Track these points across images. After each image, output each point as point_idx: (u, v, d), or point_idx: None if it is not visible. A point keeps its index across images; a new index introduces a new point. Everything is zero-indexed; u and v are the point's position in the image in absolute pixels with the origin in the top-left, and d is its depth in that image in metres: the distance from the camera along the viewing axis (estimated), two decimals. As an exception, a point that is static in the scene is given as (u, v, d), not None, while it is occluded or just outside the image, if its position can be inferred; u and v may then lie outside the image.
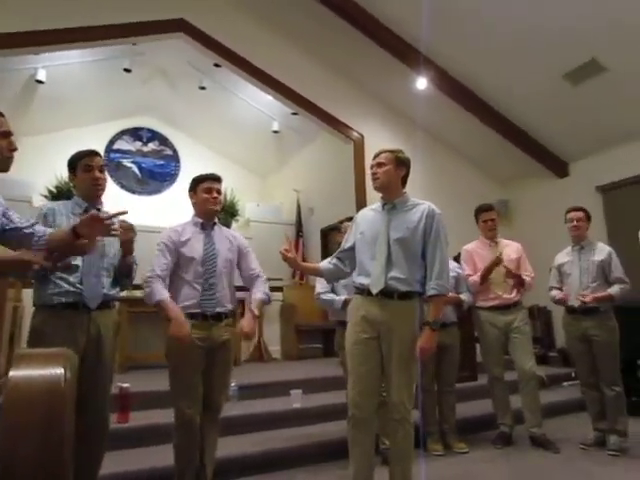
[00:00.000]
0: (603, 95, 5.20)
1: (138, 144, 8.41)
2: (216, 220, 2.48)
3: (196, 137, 8.64)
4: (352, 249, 2.33)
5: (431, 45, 5.35)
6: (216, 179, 2.43)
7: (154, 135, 8.56)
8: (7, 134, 1.65)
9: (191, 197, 2.45)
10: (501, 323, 3.23)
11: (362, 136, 6.31)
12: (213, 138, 8.57)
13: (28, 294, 2.85)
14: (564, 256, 3.32)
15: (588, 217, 3.26)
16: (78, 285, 1.98)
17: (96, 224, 1.69)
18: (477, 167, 7.05)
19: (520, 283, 3.26)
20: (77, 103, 7.07)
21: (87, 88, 6.85)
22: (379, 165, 2.29)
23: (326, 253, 7.06)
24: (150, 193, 8.23)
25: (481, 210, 3.48)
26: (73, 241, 1.67)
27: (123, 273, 2.18)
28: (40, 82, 6.20)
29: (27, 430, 0.42)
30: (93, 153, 2.15)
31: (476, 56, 5.32)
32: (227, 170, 8.97)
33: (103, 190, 2.16)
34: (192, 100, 7.53)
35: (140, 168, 8.34)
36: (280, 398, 3.52)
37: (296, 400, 3.35)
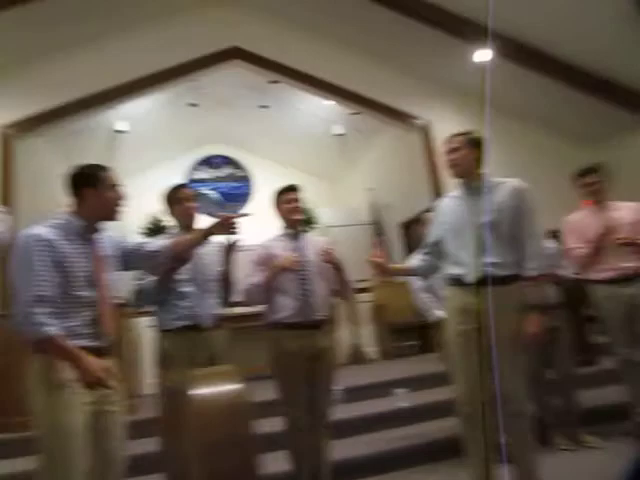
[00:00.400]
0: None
1: (212, 171, 8.89)
2: (301, 229, 2.56)
3: (263, 154, 8.94)
4: (438, 241, 2.26)
5: (492, 13, 5.07)
6: (293, 189, 2.51)
7: (226, 160, 9.00)
8: (114, 186, 1.83)
9: (275, 212, 2.54)
10: (624, 297, 2.83)
11: (428, 123, 6.15)
12: (279, 152, 8.81)
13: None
14: None
15: None
16: (193, 308, 2.19)
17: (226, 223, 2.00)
18: (561, 134, 6.55)
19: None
20: (154, 143, 7.63)
21: (160, 128, 7.37)
22: (453, 151, 2.21)
23: (409, 248, 6.93)
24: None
25: (579, 175, 3.08)
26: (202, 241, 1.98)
27: (224, 288, 2.37)
28: (120, 132, 6.78)
29: (221, 441, 0.45)
30: (182, 186, 2.41)
31: (541, 12, 4.95)
32: (297, 180, 9.05)
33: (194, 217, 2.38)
34: (254, 120, 7.79)
35: (221, 193, 8.81)
36: (383, 399, 3.50)
37: (401, 399, 3.32)
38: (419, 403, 3.34)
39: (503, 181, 2.15)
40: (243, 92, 7.05)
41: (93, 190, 1.77)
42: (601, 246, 2.88)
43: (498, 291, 1.92)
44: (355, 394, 3.63)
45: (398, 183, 7.09)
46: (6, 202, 4.79)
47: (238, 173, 9.03)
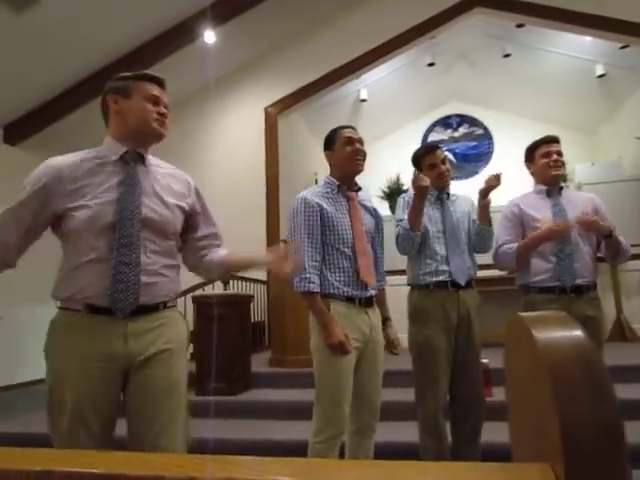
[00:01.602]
0: None
1: (449, 131, 8.67)
2: (562, 185, 2.33)
3: (505, 109, 8.26)
4: None
5: None
6: (554, 140, 2.29)
7: (463, 119, 8.64)
8: (350, 141, 1.95)
9: (528, 167, 2.38)
10: None
11: None
12: (524, 105, 7.99)
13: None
14: None
15: None
16: (444, 266, 2.16)
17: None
18: None
19: None
20: (393, 109, 7.88)
21: (399, 93, 7.55)
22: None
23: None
24: (467, 176, 8.34)
25: None
26: None
27: (479, 243, 2.29)
28: (363, 100, 7.23)
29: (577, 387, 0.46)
30: (434, 148, 2.35)
31: None
32: (545, 133, 8.15)
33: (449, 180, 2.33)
34: (496, 72, 7.24)
35: (454, 154, 8.57)
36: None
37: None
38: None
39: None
40: (483, 43, 6.62)
41: (330, 153, 2.00)
42: None
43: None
44: (615, 375, 3.16)
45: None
46: (273, 170, 5.73)
47: (477, 132, 8.59)
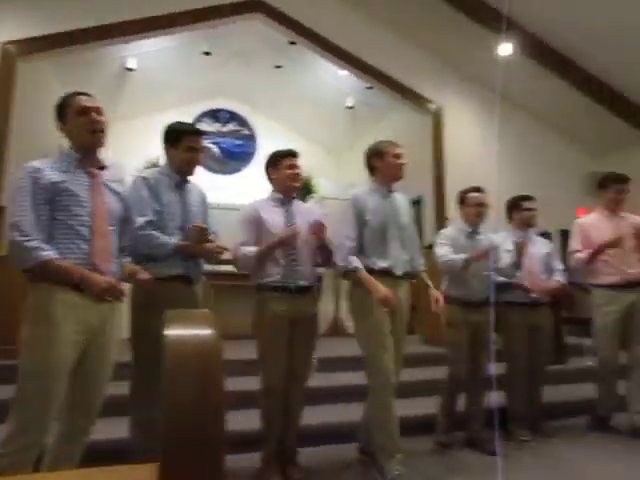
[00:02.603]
0: None
1: (218, 125, 8.74)
2: (294, 195, 2.51)
3: (273, 116, 8.80)
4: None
5: (517, 7, 4.97)
6: (295, 155, 2.46)
7: (232, 116, 8.83)
8: (84, 111, 1.73)
9: (271, 173, 2.47)
10: (622, 303, 2.92)
11: (440, 109, 6.08)
12: (289, 116, 8.68)
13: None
14: None
15: None
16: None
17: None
18: (568, 138, 6.54)
19: None
20: (163, 87, 7.45)
21: (171, 73, 7.20)
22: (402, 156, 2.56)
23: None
24: (230, 172, 8.55)
25: (613, 180, 3.09)
26: None
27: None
28: (130, 70, 6.62)
29: (190, 384, 0.44)
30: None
31: (566, 16, 4.90)
32: (302, 147, 8.97)
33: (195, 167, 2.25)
34: (268, 79, 7.64)
35: (220, 148, 8.68)
36: (358, 372, 3.55)
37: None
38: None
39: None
40: (260, 48, 6.89)
41: (63, 123, 1.77)
42: (603, 252, 2.95)
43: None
44: (328, 365, 3.67)
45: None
46: (2, 122, 4.67)
47: (244, 131, 8.89)
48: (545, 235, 4.28)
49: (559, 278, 3.00)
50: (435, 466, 2.50)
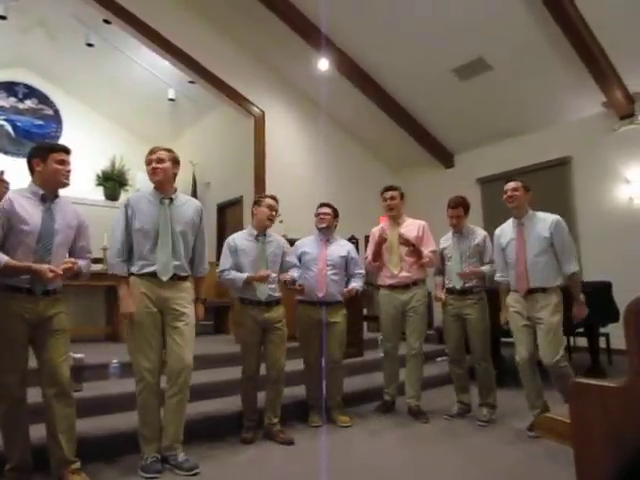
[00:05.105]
0: (485, 93, 5.71)
1: (13, 100, 7.54)
2: (59, 193, 2.23)
3: (82, 98, 7.95)
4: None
5: (332, 24, 5.39)
6: (69, 152, 2.24)
7: (33, 92, 7.72)
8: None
9: (35, 165, 2.17)
10: (397, 302, 3.32)
11: (263, 112, 6.28)
12: (101, 101, 7.94)
13: None
14: (446, 240, 3.46)
15: (466, 208, 3.36)
16: None
17: None
18: (372, 153, 7.39)
19: (417, 256, 3.30)
20: None
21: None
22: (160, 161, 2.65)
23: (223, 229, 6.97)
24: (26, 155, 7.43)
25: (383, 190, 3.52)
26: None
27: None
28: None
29: None
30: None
31: (375, 39, 5.50)
32: (116, 136, 8.39)
33: None
34: (78, 57, 6.88)
35: (15, 127, 7.50)
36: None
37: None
38: (209, 381, 3.25)
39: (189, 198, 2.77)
40: (72, 23, 6.16)
41: None
42: (379, 254, 3.37)
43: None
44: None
45: (223, 163, 7.07)
46: None
47: (45, 111, 7.83)
48: (352, 240, 4.73)
49: (356, 283, 3.30)
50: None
